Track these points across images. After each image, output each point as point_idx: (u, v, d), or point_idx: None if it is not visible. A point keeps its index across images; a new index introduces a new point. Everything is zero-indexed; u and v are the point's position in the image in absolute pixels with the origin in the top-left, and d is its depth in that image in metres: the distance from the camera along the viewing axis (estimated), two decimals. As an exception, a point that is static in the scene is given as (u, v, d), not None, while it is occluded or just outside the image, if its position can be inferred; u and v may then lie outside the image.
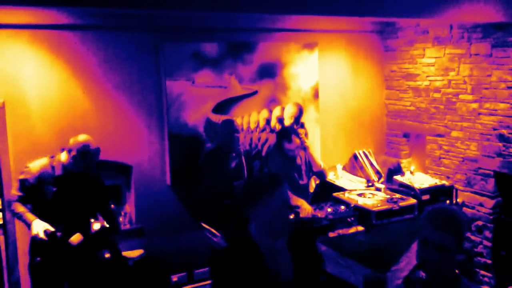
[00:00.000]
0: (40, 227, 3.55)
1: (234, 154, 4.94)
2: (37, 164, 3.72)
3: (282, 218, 2.30)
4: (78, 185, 3.79)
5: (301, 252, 2.40)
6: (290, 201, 2.40)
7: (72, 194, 3.77)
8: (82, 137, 3.67)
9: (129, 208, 4.96)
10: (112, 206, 4.70)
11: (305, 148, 4.72)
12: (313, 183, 5.21)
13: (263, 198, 2.27)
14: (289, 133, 4.62)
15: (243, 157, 5.05)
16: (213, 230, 4.23)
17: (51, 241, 3.57)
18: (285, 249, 2.35)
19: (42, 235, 3.54)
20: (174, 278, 5.04)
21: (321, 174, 4.84)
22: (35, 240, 3.60)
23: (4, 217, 4.33)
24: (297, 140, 4.57)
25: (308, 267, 2.41)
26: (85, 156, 3.63)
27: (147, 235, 4.80)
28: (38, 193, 3.69)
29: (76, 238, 3.72)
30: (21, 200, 3.70)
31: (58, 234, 3.61)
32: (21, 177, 3.71)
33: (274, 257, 2.30)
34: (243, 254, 2.30)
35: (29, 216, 3.62)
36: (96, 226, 3.90)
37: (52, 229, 3.58)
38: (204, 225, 4.40)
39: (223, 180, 4.80)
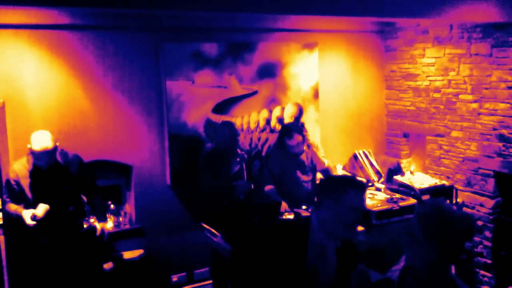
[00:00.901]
0: (27, 215, 3.65)
1: (238, 159, 4.91)
2: (16, 162, 3.86)
3: (343, 223, 2.28)
4: (51, 177, 3.81)
5: (346, 261, 2.38)
6: (362, 208, 2.38)
7: (45, 186, 3.81)
8: (35, 144, 3.67)
9: (129, 208, 4.95)
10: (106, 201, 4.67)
11: (309, 146, 4.74)
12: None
13: (336, 196, 2.29)
14: (291, 130, 4.64)
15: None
16: (213, 230, 4.23)
17: (39, 223, 3.68)
18: (334, 250, 2.33)
19: (29, 221, 3.63)
20: (174, 278, 5.04)
21: (325, 172, 4.86)
22: (31, 227, 3.70)
23: (4, 217, 4.33)
24: (299, 137, 4.59)
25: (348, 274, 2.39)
26: (40, 159, 3.69)
27: (147, 235, 4.80)
28: (22, 189, 3.80)
29: (41, 210, 3.71)
30: (12, 199, 3.83)
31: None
32: (7, 178, 3.85)
33: (323, 255, 2.30)
34: (254, 254, 2.29)
35: (19, 209, 3.75)
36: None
37: (38, 213, 3.68)
38: (204, 225, 4.40)
39: (222, 181, 4.79)
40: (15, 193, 3.80)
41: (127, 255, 4.58)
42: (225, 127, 4.89)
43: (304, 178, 4.72)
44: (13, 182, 3.80)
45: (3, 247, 4.41)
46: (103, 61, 4.61)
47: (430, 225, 2.03)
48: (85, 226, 4.17)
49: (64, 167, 3.85)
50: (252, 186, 4.86)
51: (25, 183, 3.77)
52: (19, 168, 3.79)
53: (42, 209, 3.71)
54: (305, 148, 4.73)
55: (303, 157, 4.72)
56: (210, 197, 4.74)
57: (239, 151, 4.99)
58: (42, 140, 3.66)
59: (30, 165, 3.78)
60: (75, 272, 3.85)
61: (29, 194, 3.77)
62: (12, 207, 3.78)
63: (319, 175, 5.05)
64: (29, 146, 3.68)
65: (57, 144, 3.79)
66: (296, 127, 4.75)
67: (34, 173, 3.77)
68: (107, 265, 4.25)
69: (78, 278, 3.86)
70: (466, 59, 5.01)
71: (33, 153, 3.68)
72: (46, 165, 3.73)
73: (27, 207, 3.75)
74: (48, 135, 3.70)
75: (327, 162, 4.86)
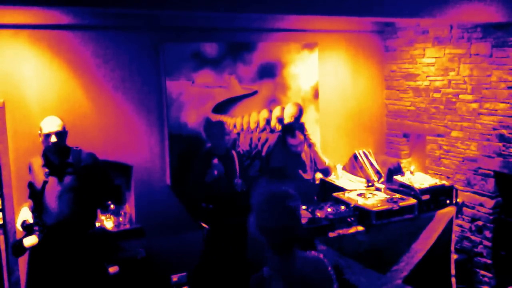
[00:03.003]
0: (20, 218, 3.60)
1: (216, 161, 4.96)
2: (36, 157, 3.83)
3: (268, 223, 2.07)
4: (58, 172, 3.78)
5: None
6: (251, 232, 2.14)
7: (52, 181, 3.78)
8: (44, 125, 3.69)
9: (129, 208, 4.95)
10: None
11: (310, 145, 4.76)
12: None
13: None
14: (293, 128, 4.66)
15: (235, 157, 5.06)
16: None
17: (27, 233, 3.56)
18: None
19: (18, 226, 3.58)
20: (174, 278, 5.03)
21: (325, 171, 4.90)
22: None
23: (4, 217, 4.33)
24: (301, 137, 4.62)
25: None
26: (49, 136, 3.68)
27: (147, 235, 4.80)
28: (33, 183, 3.79)
29: (30, 240, 3.59)
30: (29, 196, 3.81)
31: (35, 228, 3.56)
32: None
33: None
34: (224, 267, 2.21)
35: (22, 206, 3.71)
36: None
37: (31, 221, 3.57)
38: (204, 225, 4.40)
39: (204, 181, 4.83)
40: (29, 188, 3.82)
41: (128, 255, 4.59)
42: (212, 127, 4.92)
43: (305, 176, 4.73)
44: (28, 176, 3.82)
45: (3, 247, 4.41)
46: (103, 61, 4.61)
47: (261, 214, 2.03)
48: (97, 225, 4.15)
49: (73, 163, 3.82)
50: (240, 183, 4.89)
51: (36, 177, 3.78)
52: (34, 162, 3.81)
53: (30, 241, 3.58)
54: (305, 148, 4.75)
55: (304, 156, 4.74)
56: (199, 199, 4.76)
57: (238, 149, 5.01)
58: (51, 121, 3.70)
59: (42, 160, 3.78)
60: (79, 275, 3.82)
61: (38, 188, 3.77)
62: (24, 204, 3.78)
63: (318, 175, 5.06)
64: (39, 132, 3.70)
65: (67, 130, 3.80)
66: (298, 126, 4.78)
67: (45, 167, 3.77)
68: (113, 269, 4.23)
69: (82, 282, 3.83)
70: (466, 59, 5.01)
71: (42, 137, 3.68)
72: (56, 150, 3.70)
73: (36, 202, 3.75)
74: (57, 118, 3.74)
75: (327, 161, 4.87)
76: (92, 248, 3.87)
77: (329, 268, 2.12)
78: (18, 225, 3.58)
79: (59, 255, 3.72)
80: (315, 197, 4.93)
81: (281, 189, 2.13)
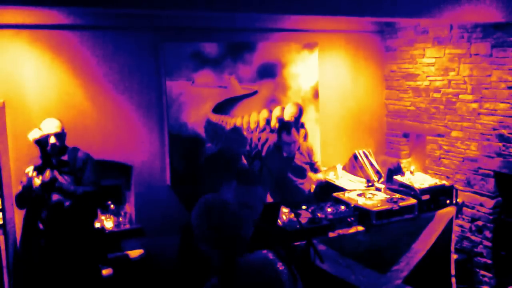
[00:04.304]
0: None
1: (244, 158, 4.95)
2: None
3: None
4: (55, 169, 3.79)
5: None
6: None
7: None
8: (44, 126, 3.71)
9: (129, 208, 4.95)
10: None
11: (298, 148, 4.77)
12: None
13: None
14: (289, 126, 4.66)
15: (243, 159, 5.07)
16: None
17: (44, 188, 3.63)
18: None
19: (30, 172, 3.60)
20: (174, 278, 5.03)
21: (320, 184, 4.94)
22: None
23: (4, 217, 4.33)
24: (296, 136, 4.62)
25: None
26: (43, 147, 3.68)
27: (147, 235, 4.80)
28: (30, 181, 3.77)
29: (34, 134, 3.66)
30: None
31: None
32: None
33: None
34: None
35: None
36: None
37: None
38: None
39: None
40: (26, 185, 3.81)
41: (127, 255, 4.59)
42: (232, 133, 4.95)
43: (299, 180, 4.74)
44: (26, 175, 3.78)
45: (3, 247, 4.41)
46: (103, 61, 4.61)
47: (202, 228, 1.95)
48: (96, 225, 4.15)
49: (69, 161, 3.81)
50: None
51: (34, 182, 3.76)
52: (30, 169, 3.79)
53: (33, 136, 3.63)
54: (301, 150, 4.76)
55: (297, 161, 4.74)
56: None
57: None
58: (50, 123, 3.72)
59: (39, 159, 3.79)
60: (73, 277, 3.81)
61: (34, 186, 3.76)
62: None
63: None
64: (38, 135, 3.69)
65: (66, 131, 3.81)
66: (296, 125, 4.78)
67: (42, 167, 3.77)
68: (106, 271, 4.23)
69: (76, 284, 3.82)
70: (466, 59, 5.01)
71: (40, 140, 3.69)
72: (53, 152, 3.71)
73: (34, 201, 3.75)
74: (56, 120, 3.76)
75: (322, 175, 4.90)
76: (91, 249, 3.87)
77: (278, 265, 2.03)
78: (31, 172, 3.60)
79: (59, 255, 3.72)
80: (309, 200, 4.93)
81: (213, 197, 2.04)
